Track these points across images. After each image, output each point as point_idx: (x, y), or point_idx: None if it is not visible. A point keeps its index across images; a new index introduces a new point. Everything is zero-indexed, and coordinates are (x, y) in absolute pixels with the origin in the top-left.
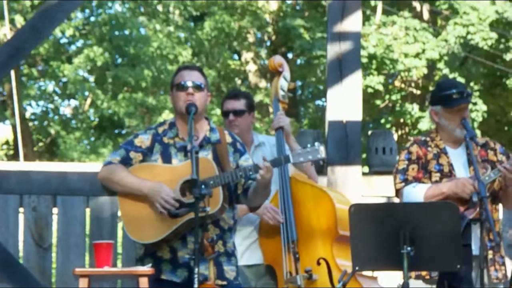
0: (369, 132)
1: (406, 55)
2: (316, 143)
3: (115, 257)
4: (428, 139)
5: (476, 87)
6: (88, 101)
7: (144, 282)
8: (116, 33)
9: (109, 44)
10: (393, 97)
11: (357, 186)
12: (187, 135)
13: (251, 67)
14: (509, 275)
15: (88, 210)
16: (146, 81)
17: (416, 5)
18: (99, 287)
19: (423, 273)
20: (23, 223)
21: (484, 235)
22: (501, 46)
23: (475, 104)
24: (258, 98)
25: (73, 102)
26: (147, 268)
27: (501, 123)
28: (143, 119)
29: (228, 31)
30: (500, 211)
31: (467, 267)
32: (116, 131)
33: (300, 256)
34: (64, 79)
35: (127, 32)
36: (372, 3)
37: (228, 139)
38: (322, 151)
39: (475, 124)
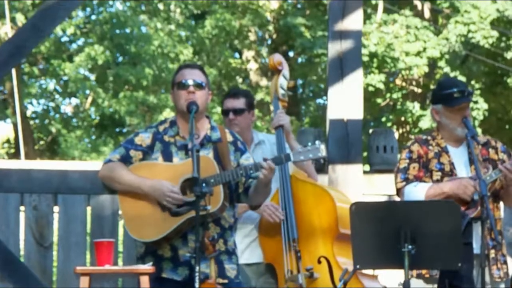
0: (370, 131)
1: (407, 54)
2: (317, 142)
3: (116, 256)
4: (429, 138)
5: (477, 86)
6: (89, 99)
7: (145, 280)
8: (117, 31)
9: (110, 43)
10: (394, 96)
11: (358, 185)
12: (188, 133)
13: (252, 66)
14: (510, 273)
15: (89, 209)
16: (147, 80)
17: (417, 3)
18: (100, 286)
19: (424, 271)
20: (24, 222)
21: (485, 234)
22: (502, 44)
23: (476, 102)
24: (259, 96)
25: (74, 101)
26: (148, 267)
27: (502, 122)
28: (144, 118)
29: (229, 29)
30: (501, 210)
31: (468, 265)
32: (117, 129)
33: (301, 255)
34: (65, 78)
35: (128, 30)
36: (373, 1)
37: (229, 137)
38: (322, 150)
39: (476, 123)
